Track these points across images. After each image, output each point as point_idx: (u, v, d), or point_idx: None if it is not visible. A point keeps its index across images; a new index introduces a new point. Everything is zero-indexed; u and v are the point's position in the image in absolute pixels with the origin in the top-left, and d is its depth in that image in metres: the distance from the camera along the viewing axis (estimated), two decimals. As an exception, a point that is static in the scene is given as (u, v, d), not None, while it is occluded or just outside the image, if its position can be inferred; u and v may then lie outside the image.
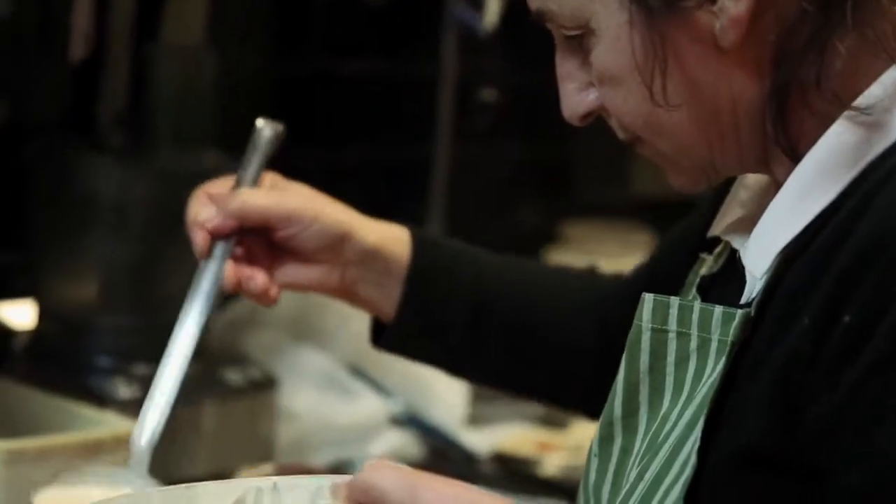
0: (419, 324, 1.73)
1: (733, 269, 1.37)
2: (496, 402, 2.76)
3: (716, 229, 1.44)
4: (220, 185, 1.69)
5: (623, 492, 1.33)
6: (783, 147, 1.29)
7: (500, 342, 1.75)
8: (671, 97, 1.29)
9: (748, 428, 1.24)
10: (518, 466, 2.60)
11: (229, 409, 2.41)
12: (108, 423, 2.13)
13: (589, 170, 3.64)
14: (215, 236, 1.64)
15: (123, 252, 2.36)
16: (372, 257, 1.69)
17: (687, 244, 1.56)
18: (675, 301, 1.34)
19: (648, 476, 1.30)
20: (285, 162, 1.71)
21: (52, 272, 2.44)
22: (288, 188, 1.69)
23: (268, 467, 2.29)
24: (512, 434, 2.71)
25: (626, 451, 1.37)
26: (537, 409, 2.87)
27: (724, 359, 1.28)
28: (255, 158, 1.69)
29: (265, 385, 2.47)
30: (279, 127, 1.70)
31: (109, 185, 2.37)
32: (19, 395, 2.25)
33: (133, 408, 2.22)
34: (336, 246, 1.66)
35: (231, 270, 1.64)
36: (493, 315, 1.74)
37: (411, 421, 2.64)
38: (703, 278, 1.44)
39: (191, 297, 1.65)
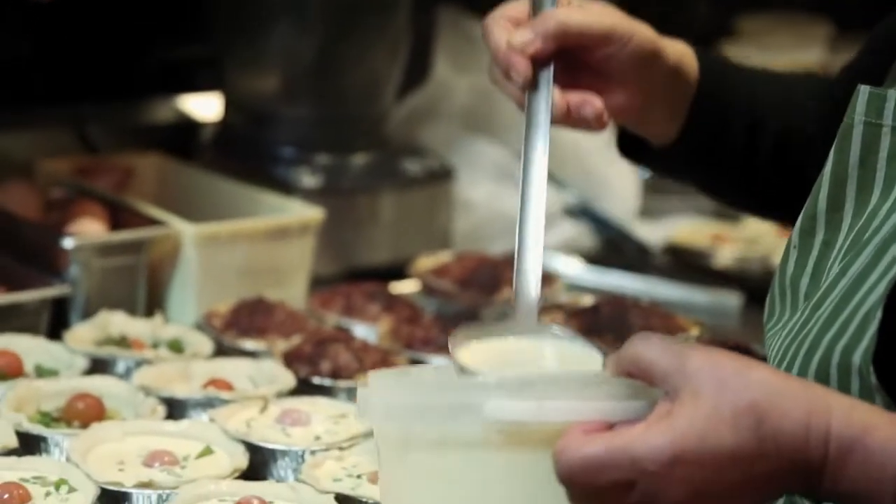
0: (696, 145, 1.65)
1: None
2: (670, 195, 2.76)
3: None
4: (517, 8, 1.51)
5: (823, 285, 1.32)
6: None
7: (771, 161, 1.68)
8: None
9: None
10: (691, 258, 2.60)
11: (407, 199, 2.46)
12: (293, 209, 2.20)
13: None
14: (536, 62, 1.45)
15: (305, 44, 2.39)
16: (674, 76, 1.59)
17: (893, 40, 1.49)
18: (892, 94, 1.30)
19: (853, 272, 1.28)
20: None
21: (237, 65, 2.49)
22: (589, 5, 1.53)
23: (445, 255, 2.35)
24: (685, 226, 2.71)
25: (827, 244, 1.36)
26: (710, 201, 2.86)
27: None
28: None
29: (442, 175, 2.51)
30: None
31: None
32: (208, 184, 2.33)
33: (315, 196, 2.30)
34: (648, 64, 1.55)
35: (559, 97, 1.47)
36: (765, 132, 1.67)
37: (585, 212, 2.66)
38: None
39: (529, 133, 1.43)
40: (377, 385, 1.24)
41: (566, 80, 1.48)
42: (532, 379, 1.25)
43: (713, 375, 1.10)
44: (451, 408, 1.17)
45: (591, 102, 1.48)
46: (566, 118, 1.48)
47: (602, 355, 1.36)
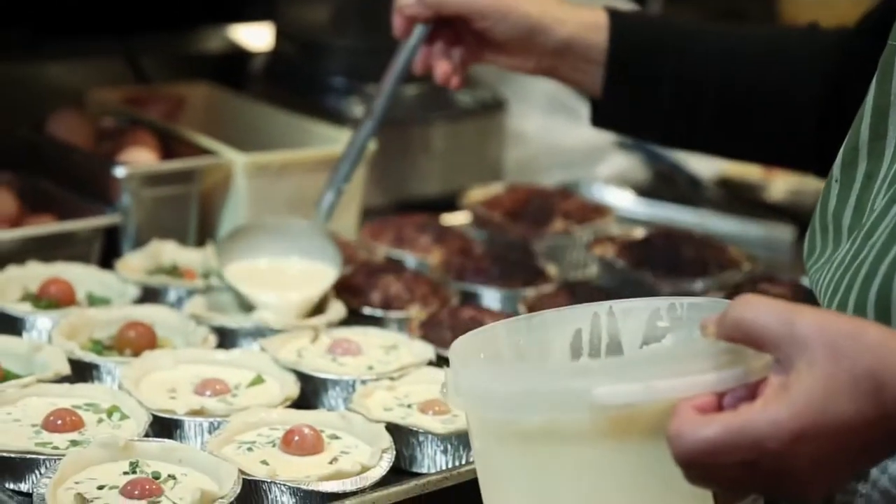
0: (625, 104, 1.77)
1: None
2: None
3: None
4: None
5: (872, 216, 1.31)
6: None
7: (712, 109, 1.76)
8: None
9: None
10: (743, 191, 2.58)
11: (459, 130, 2.44)
12: (344, 140, 2.18)
13: None
14: (414, 21, 1.78)
15: (357, -27, 2.39)
16: (565, 48, 1.75)
17: None
18: None
19: None
20: None
21: (288, -6, 2.48)
22: None
23: (497, 186, 2.33)
24: (738, 159, 2.68)
25: (870, 176, 1.34)
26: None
27: None
28: None
29: (494, 106, 2.49)
30: None
31: None
32: (259, 114, 2.32)
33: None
34: (528, 38, 1.74)
35: (423, 55, 1.80)
36: (702, 84, 1.75)
37: (637, 144, 2.64)
38: None
39: (385, 76, 1.83)
40: (468, 369, 1.21)
41: (459, 41, 1.79)
42: (633, 359, 1.24)
43: (825, 341, 1.05)
44: (555, 396, 1.13)
45: (440, 68, 1.79)
46: (425, 72, 1.82)
47: (335, 269, 1.84)
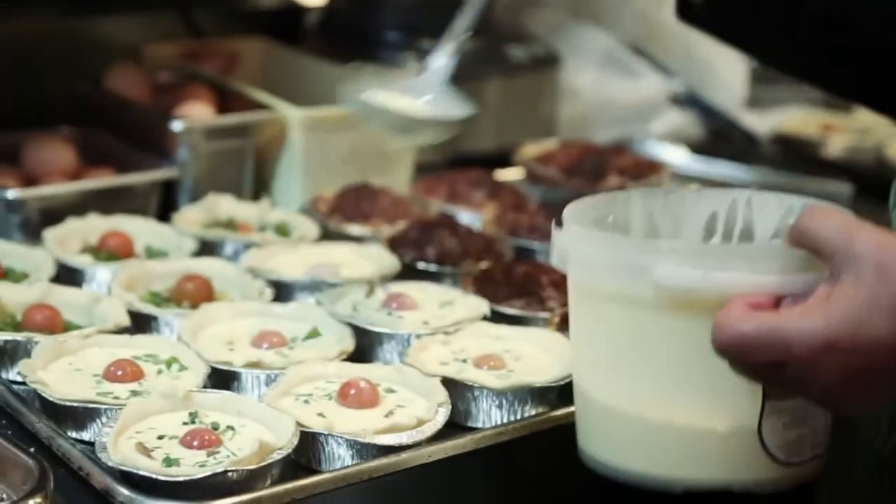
0: (724, 6, 1.69)
1: None
2: (778, 84, 2.71)
3: None
4: None
5: None
6: None
7: (816, 31, 1.66)
8: None
9: None
10: (800, 148, 2.56)
11: (513, 85, 2.44)
12: (398, 95, 2.19)
13: None
14: None
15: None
16: None
17: None
18: None
19: None
20: None
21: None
22: None
23: (551, 142, 2.33)
24: (794, 115, 2.66)
25: None
26: (820, 92, 2.81)
27: None
28: None
29: (548, 62, 2.48)
30: None
31: None
32: (313, 69, 2.32)
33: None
34: None
35: None
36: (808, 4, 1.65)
37: (691, 101, 2.63)
38: None
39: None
40: (565, 231, 1.30)
41: None
42: (706, 248, 1.32)
43: (877, 260, 1.06)
44: (624, 268, 1.23)
45: None
46: None
47: (468, 111, 1.77)
